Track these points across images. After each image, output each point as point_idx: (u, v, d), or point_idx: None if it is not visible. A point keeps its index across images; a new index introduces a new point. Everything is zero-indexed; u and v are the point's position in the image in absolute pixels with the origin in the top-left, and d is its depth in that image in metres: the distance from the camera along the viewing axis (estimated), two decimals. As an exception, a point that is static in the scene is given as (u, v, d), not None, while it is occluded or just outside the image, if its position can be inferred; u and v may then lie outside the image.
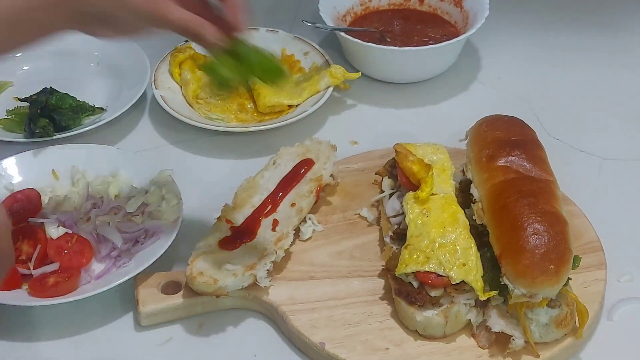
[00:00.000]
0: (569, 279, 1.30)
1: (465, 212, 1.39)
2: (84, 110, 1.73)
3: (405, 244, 1.35)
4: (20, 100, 1.77)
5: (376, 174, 1.56)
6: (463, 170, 1.48)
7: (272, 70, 1.31)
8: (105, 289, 1.36)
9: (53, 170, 1.57)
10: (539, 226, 1.29)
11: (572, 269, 1.30)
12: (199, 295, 1.37)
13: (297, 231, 1.48)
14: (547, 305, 1.29)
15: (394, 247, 1.41)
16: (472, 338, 1.33)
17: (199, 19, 1.25)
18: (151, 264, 1.39)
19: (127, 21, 1.26)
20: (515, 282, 1.26)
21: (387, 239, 1.44)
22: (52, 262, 1.42)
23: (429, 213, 1.38)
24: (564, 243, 1.29)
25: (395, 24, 1.94)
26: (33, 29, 1.25)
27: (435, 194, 1.40)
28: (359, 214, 1.54)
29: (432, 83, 1.86)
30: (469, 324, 1.34)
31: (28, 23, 1.22)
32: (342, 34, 1.83)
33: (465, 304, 1.32)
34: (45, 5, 1.22)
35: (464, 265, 1.31)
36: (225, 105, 1.76)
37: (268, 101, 1.74)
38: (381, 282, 1.42)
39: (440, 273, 1.30)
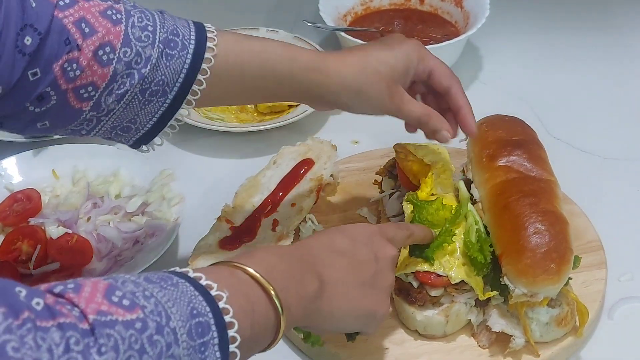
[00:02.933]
0: (570, 278, 1.30)
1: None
2: (85, 110, 1.73)
3: (405, 244, 1.35)
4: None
5: (376, 173, 1.56)
6: (463, 170, 1.48)
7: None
8: (105, 288, 1.36)
9: (53, 170, 1.57)
10: (540, 226, 1.29)
11: (573, 269, 1.30)
12: (199, 294, 1.36)
13: (297, 231, 1.48)
14: (547, 304, 1.28)
15: (394, 247, 1.40)
16: (472, 337, 1.33)
17: (437, 114, 1.28)
18: (151, 264, 1.39)
19: (362, 111, 1.26)
20: (516, 282, 1.26)
21: (388, 239, 1.44)
22: (52, 262, 1.42)
23: (428, 213, 1.37)
24: (565, 242, 1.29)
25: (396, 24, 1.94)
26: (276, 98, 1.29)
27: (435, 195, 1.40)
28: (359, 214, 1.54)
29: (432, 83, 1.86)
30: (469, 323, 1.33)
31: (283, 92, 1.23)
32: (343, 34, 1.83)
33: (466, 304, 1.32)
34: (296, 88, 1.22)
35: (463, 265, 1.31)
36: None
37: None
38: (381, 282, 1.41)
39: (440, 273, 1.30)
